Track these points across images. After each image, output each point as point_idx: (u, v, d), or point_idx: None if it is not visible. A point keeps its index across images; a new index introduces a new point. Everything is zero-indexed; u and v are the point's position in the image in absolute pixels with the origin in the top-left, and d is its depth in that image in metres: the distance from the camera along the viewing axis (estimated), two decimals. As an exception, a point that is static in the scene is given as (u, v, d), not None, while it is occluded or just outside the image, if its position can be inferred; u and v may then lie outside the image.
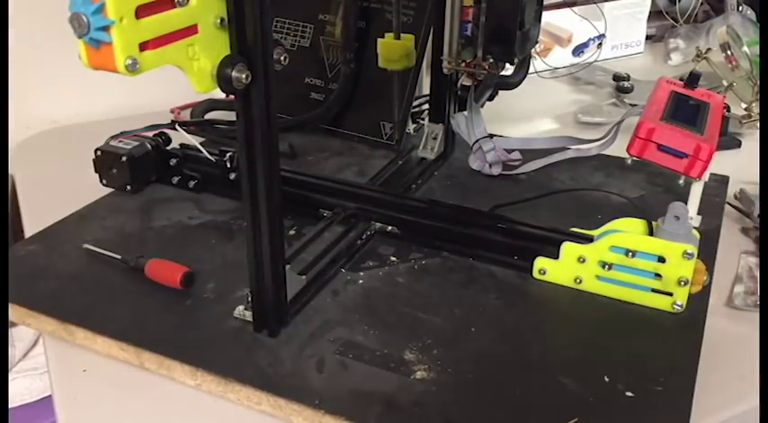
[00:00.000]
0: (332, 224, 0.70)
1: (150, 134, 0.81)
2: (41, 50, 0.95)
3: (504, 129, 0.91)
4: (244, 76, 0.47)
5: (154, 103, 1.00)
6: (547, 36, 1.17)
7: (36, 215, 0.77)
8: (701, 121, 0.65)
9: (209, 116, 0.97)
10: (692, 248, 0.59)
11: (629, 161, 0.84)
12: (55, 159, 0.91)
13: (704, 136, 0.62)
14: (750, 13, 1.28)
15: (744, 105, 0.96)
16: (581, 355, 0.56)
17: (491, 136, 0.83)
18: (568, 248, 0.63)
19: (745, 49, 1.04)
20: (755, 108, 0.94)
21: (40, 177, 0.88)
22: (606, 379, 0.53)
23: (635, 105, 0.90)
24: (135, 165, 0.77)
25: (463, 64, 0.74)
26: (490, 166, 0.82)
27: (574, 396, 0.52)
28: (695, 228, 0.62)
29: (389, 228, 0.72)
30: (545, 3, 0.75)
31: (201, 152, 0.79)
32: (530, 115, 1.04)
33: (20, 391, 0.97)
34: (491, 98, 0.83)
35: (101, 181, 0.79)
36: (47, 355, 0.60)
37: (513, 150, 0.85)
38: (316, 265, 0.65)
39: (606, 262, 0.61)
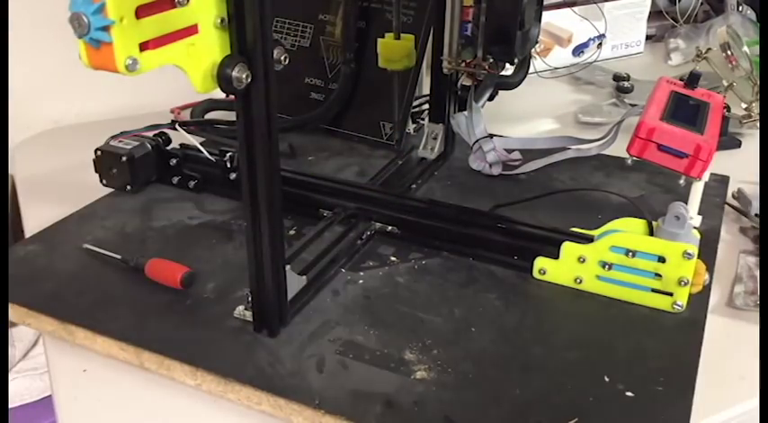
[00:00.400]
0: (332, 224, 0.70)
1: (150, 134, 0.81)
2: (41, 50, 0.95)
3: (504, 129, 0.91)
4: (244, 76, 0.47)
5: (154, 103, 1.00)
6: (547, 36, 1.17)
7: (36, 215, 0.77)
8: (700, 121, 0.65)
9: (209, 116, 0.97)
10: (693, 248, 0.59)
11: (629, 161, 0.84)
12: (55, 159, 0.91)
13: (704, 136, 0.62)
14: (750, 13, 1.28)
15: (744, 105, 0.96)
16: (581, 355, 0.56)
17: (491, 136, 0.82)
18: (568, 248, 0.63)
19: (745, 49, 1.04)
20: (755, 108, 0.94)
21: (40, 177, 0.88)
22: (606, 379, 0.53)
23: (635, 105, 0.90)
24: (135, 165, 0.77)
25: (463, 64, 0.74)
26: (490, 166, 0.82)
27: (574, 396, 0.52)
28: (695, 228, 0.62)
29: (389, 228, 0.72)
30: (545, 3, 0.75)
31: (201, 152, 0.79)
32: (530, 115, 1.04)
33: (20, 391, 0.97)
34: (491, 98, 0.83)
35: (101, 181, 0.79)
36: (47, 355, 0.60)
37: (513, 150, 0.85)
38: (316, 265, 0.65)
39: (606, 262, 0.61)
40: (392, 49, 0.80)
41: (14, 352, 1.00)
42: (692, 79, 0.70)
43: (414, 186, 0.81)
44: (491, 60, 0.71)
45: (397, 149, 0.89)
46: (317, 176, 0.78)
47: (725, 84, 0.98)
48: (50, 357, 0.59)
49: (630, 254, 0.60)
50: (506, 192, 0.78)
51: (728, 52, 1.03)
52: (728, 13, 1.27)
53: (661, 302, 0.61)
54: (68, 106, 1.02)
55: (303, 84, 0.95)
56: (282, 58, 0.50)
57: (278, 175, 0.53)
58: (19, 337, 1.01)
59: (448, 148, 0.87)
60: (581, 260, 0.62)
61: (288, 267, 0.58)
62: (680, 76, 0.73)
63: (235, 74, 0.46)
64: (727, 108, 0.92)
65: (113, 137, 0.80)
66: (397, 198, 0.75)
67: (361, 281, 0.65)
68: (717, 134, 0.64)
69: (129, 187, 0.78)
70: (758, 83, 0.98)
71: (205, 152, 0.78)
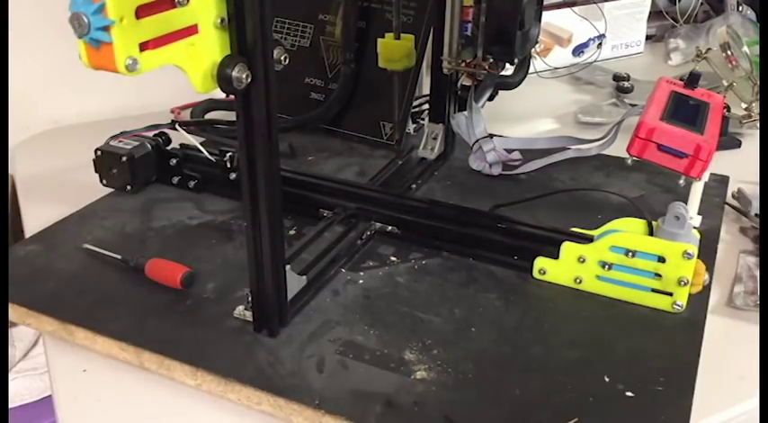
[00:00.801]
0: (332, 224, 0.70)
1: (150, 134, 0.81)
2: (41, 50, 0.95)
3: (504, 129, 0.91)
4: (244, 76, 0.47)
5: (154, 103, 1.00)
6: (547, 36, 1.17)
7: (36, 215, 0.77)
8: (700, 121, 0.65)
9: (209, 116, 0.97)
10: (692, 248, 0.59)
11: (629, 161, 0.84)
12: (55, 159, 0.91)
13: (704, 136, 0.62)
14: (750, 13, 1.28)
15: (744, 105, 0.96)
16: (581, 355, 0.56)
17: (491, 136, 0.83)
18: (568, 248, 0.63)
19: (745, 49, 1.04)
20: (755, 108, 0.94)
21: (40, 177, 0.88)
22: (606, 379, 0.53)
23: (635, 105, 0.90)
24: (135, 165, 0.77)
25: (463, 64, 0.74)
26: (490, 166, 0.82)
27: (574, 396, 0.52)
28: (695, 228, 0.62)
29: (389, 228, 0.72)
30: (545, 3, 0.75)
31: (201, 152, 0.79)
32: (530, 115, 1.04)
33: (20, 391, 0.97)
34: (491, 98, 0.83)
35: (101, 181, 0.79)
36: (47, 355, 0.60)
37: (513, 150, 0.85)
38: (316, 265, 0.65)
39: (606, 262, 0.61)
40: (392, 49, 0.80)
41: (14, 352, 1.00)
42: (692, 79, 0.70)
43: (414, 186, 0.81)
44: (491, 60, 0.71)
45: (397, 149, 0.89)
46: (317, 176, 0.78)
47: (725, 84, 0.98)
48: (50, 357, 0.59)
49: (630, 254, 0.60)
50: (506, 192, 0.78)
51: (728, 52, 1.03)
52: (728, 13, 1.27)
53: (661, 302, 0.61)
54: (68, 106, 1.02)
55: (303, 84, 0.95)
56: (282, 58, 0.50)
57: (278, 175, 0.53)
58: (19, 337, 1.01)
59: (448, 148, 0.87)
60: (581, 260, 0.62)
61: (288, 267, 0.58)
62: (680, 76, 0.73)
63: (235, 74, 0.46)
64: (727, 108, 0.92)
65: (113, 137, 0.80)
66: (397, 198, 0.75)
67: (361, 281, 0.65)
68: (717, 134, 0.64)
69: (129, 187, 0.78)
70: (758, 83, 0.98)
71: (205, 152, 0.78)
